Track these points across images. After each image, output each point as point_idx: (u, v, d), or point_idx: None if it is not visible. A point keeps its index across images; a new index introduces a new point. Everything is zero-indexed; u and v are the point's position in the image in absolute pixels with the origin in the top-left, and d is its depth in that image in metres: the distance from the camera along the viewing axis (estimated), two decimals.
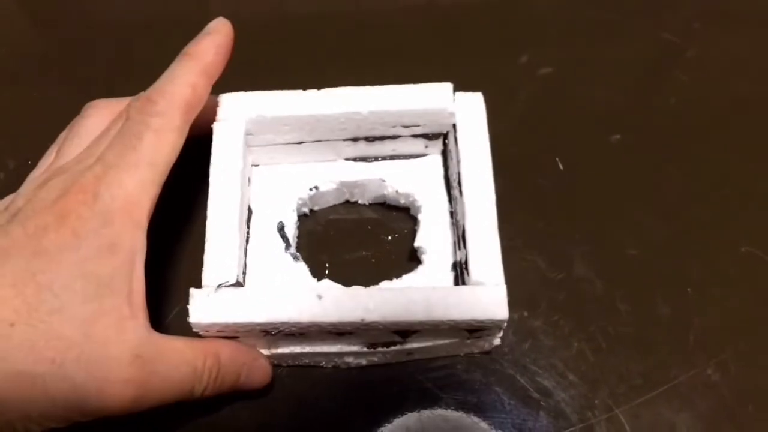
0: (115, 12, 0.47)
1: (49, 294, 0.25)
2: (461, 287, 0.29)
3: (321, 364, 0.32)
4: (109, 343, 0.25)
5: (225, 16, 0.32)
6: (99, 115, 0.31)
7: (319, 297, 0.28)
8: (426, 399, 0.32)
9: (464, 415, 0.32)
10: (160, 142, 0.28)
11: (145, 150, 0.27)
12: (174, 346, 0.27)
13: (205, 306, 0.28)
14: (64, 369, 0.24)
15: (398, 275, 0.33)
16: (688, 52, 0.43)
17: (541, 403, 0.32)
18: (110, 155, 0.27)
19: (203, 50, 0.30)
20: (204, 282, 0.29)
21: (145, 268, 0.27)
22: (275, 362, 0.32)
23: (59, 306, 0.25)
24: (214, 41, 0.30)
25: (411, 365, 0.33)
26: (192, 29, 0.31)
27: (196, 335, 0.29)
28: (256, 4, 0.47)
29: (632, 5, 0.45)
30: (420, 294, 0.28)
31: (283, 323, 0.28)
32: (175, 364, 0.27)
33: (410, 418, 0.32)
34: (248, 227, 0.33)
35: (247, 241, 0.33)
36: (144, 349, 0.26)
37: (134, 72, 0.41)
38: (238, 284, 0.29)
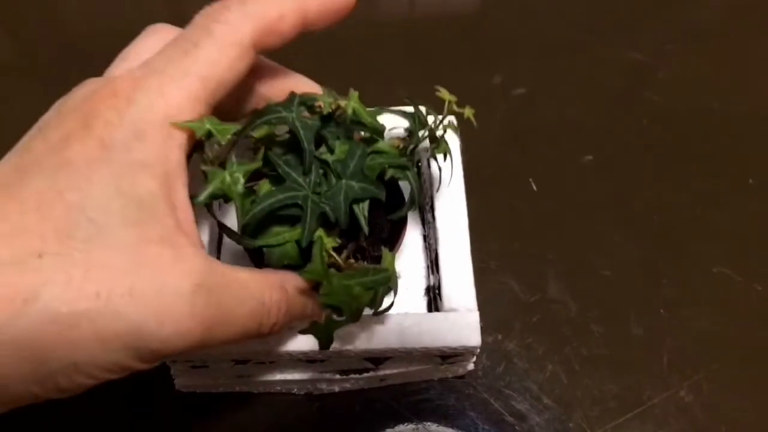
0: (90, 22, 0.46)
1: (81, 216, 0.20)
2: (433, 314, 0.29)
3: (293, 391, 0.32)
4: (164, 271, 0.20)
5: None
6: (159, 38, 0.24)
7: (290, 326, 0.28)
8: (400, 425, 0.32)
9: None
10: (219, 53, 0.23)
11: (200, 59, 0.23)
12: (238, 277, 0.23)
13: None
14: (113, 304, 0.20)
15: None
16: (660, 73, 0.43)
17: (516, 427, 0.32)
18: (157, 60, 0.23)
19: None
20: None
21: None
22: (246, 390, 0.32)
23: (96, 230, 0.20)
24: None
25: (384, 391, 0.32)
26: None
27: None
28: None
29: (605, 27, 0.46)
30: (392, 321, 0.28)
31: (254, 353, 0.28)
32: (241, 298, 0.22)
33: None
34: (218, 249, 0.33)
35: None
36: (206, 278, 0.21)
37: None
38: None
